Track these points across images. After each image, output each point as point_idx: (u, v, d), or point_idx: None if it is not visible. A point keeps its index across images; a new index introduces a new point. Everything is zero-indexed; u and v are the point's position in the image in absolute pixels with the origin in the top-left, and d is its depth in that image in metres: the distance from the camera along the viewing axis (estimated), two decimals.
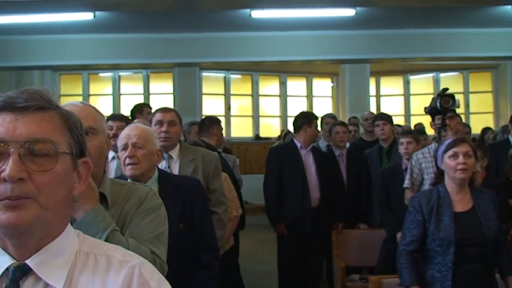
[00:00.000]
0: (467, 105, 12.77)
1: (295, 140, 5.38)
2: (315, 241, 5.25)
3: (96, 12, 8.20)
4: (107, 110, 10.89)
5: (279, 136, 10.29)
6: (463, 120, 8.67)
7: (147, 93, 11.80)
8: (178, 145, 3.55)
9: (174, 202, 2.57)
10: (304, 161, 5.26)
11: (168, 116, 3.49)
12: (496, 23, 9.20)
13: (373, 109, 11.92)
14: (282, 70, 12.39)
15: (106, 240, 1.74)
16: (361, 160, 5.73)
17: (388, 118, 5.75)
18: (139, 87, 11.93)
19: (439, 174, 3.27)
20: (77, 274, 1.13)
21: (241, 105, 12.66)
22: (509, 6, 8.23)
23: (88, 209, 1.77)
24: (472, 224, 3.08)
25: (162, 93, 11.77)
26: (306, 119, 5.36)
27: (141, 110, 5.40)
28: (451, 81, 12.71)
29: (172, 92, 11.60)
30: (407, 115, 12.79)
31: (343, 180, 5.58)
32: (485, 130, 9.46)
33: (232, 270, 4.95)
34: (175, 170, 3.43)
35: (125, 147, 2.55)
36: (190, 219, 2.63)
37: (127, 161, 2.52)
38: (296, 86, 12.92)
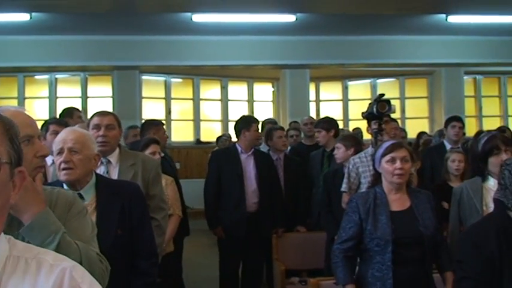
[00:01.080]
0: (403, 111, 13.11)
1: (237, 144, 5.40)
2: (254, 245, 5.25)
3: (33, 13, 7.99)
4: (43, 113, 10.60)
5: (217, 140, 10.27)
6: (399, 125, 8.92)
7: (85, 97, 11.53)
8: (117, 150, 3.48)
9: (112, 207, 2.53)
10: (244, 166, 5.26)
11: (105, 120, 3.41)
12: (431, 30, 9.51)
13: (313, 114, 12.07)
14: (223, 74, 12.38)
15: (59, 243, 1.72)
16: (298, 164, 5.79)
17: (323, 126, 5.82)
18: (77, 90, 11.64)
19: (377, 176, 3.34)
20: (5, 279, 1.12)
21: (182, 109, 12.56)
22: (444, 15, 8.53)
23: (36, 212, 1.76)
24: (409, 223, 3.14)
25: (101, 97, 11.52)
26: (244, 123, 5.38)
27: (71, 114, 5.26)
28: (388, 87, 13.01)
29: (111, 95, 11.38)
30: (346, 120, 13.02)
31: (280, 184, 5.62)
32: (421, 134, 9.75)
33: (175, 275, 4.92)
34: (114, 175, 3.36)
35: (61, 152, 2.48)
36: (129, 224, 2.58)
37: (62, 165, 2.46)
38: (237, 90, 12.93)
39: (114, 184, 2.77)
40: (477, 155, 3.51)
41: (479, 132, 4.74)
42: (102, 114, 3.49)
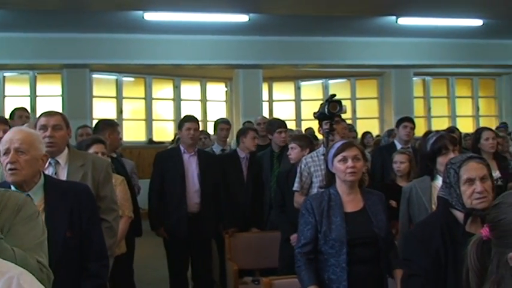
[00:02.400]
0: (354, 111, 13.31)
1: (180, 145, 5.40)
2: (199, 246, 5.24)
3: None
4: None
5: (172, 140, 10.18)
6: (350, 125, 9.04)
7: (33, 95, 11.24)
8: (66, 150, 3.39)
9: (61, 209, 2.48)
10: (187, 166, 5.24)
11: (52, 120, 3.32)
12: (381, 32, 9.68)
13: (265, 114, 12.12)
14: (176, 74, 12.29)
15: None
16: (259, 164, 5.80)
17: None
18: (25, 88, 11.35)
19: (330, 177, 3.36)
20: None
21: (134, 108, 12.40)
22: (394, 17, 8.69)
23: None
24: (363, 223, 3.17)
25: (50, 96, 11.27)
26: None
27: (13, 115, 5.10)
28: (339, 88, 13.18)
29: (61, 94, 11.15)
30: (299, 120, 13.12)
31: (243, 183, 5.61)
32: (365, 134, 9.91)
33: (126, 276, 4.86)
34: (63, 176, 3.28)
35: (7, 152, 2.42)
36: (78, 226, 2.53)
37: (8, 166, 2.40)
38: (190, 90, 12.86)
39: (63, 185, 2.71)
40: (426, 155, 3.58)
41: (428, 133, 4.85)
42: (49, 114, 3.40)
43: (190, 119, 5.39)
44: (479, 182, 2.45)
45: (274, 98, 13.45)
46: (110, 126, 4.97)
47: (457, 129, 7.40)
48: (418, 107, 13.57)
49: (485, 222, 1.53)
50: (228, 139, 6.88)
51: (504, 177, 4.92)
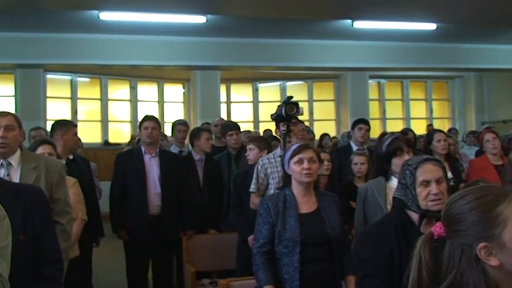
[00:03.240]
0: (311, 113, 13.43)
1: (141, 146, 5.32)
2: (160, 248, 5.20)
3: None
4: None
5: (129, 142, 10.07)
6: (307, 127, 9.12)
7: None
8: (18, 151, 3.32)
9: (13, 212, 2.41)
10: (148, 168, 5.18)
11: (4, 121, 3.24)
12: (338, 35, 9.79)
13: (223, 115, 12.11)
14: (133, 74, 12.16)
15: None
16: (216, 166, 5.78)
17: (237, 127, 5.90)
18: None
19: (286, 179, 3.40)
20: None
21: (89, 109, 12.22)
22: (350, 20, 8.80)
23: None
24: (317, 224, 3.22)
25: (3, 96, 10.99)
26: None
27: None
28: (297, 90, 13.29)
29: (13, 94, 10.88)
30: (256, 121, 13.16)
31: (199, 185, 5.58)
32: (323, 136, 10.02)
33: (84, 279, 4.79)
34: (16, 178, 3.22)
35: None
36: (31, 230, 2.47)
37: None
38: (147, 90, 12.75)
39: (15, 187, 2.64)
40: (381, 156, 3.64)
41: (383, 134, 4.94)
42: (0, 114, 3.32)
43: (148, 118, 5.33)
44: (434, 184, 2.48)
45: (232, 99, 13.47)
46: (64, 127, 4.82)
47: (412, 131, 7.54)
48: (374, 109, 13.81)
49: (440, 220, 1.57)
50: (186, 141, 6.84)
51: (456, 178, 5.05)
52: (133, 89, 12.45)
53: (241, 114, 13.29)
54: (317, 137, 10.03)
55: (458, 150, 8.08)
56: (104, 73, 11.82)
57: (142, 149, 5.25)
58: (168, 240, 5.21)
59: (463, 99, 14.70)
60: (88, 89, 12.20)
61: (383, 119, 13.99)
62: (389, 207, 3.45)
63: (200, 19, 8.41)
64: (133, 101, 12.46)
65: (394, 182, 3.52)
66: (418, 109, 14.63)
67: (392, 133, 4.28)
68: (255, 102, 13.49)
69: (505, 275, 1.45)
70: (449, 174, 4.90)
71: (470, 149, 9.39)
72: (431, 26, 9.14)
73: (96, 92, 12.15)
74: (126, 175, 5.19)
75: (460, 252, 1.47)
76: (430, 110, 14.62)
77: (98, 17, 8.16)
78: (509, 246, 1.43)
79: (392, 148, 3.55)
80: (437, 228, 1.54)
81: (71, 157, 4.88)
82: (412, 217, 2.51)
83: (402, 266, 2.37)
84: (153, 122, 5.25)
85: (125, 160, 5.34)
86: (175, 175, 5.29)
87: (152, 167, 5.21)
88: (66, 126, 4.84)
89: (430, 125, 11.91)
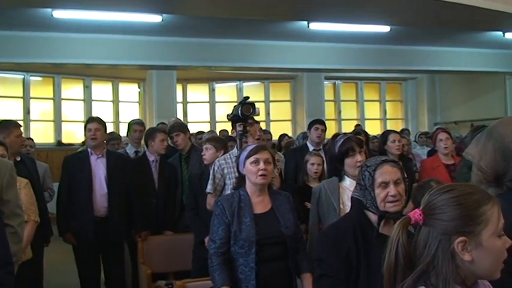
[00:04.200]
0: (267, 113, 13.50)
1: (88, 148, 5.28)
2: (108, 250, 5.15)
3: None
4: None
5: (82, 142, 9.90)
6: (264, 128, 9.16)
7: None
8: None
9: None
10: (94, 169, 5.13)
11: None
12: (294, 36, 9.86)
13: (180, 116, 12.05)
14: (87, 73, 11.97)
15: None
16: (171, 167, 5.75)
17: (181, 128, 5.88)
18: None
19: (241, 179, 3.42)
20: None
21: (42, 109, 11.96)
22: (305, 22, 8.87)
23: None
24: (272, 224, 3.25)
25: None
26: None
27: None
28: (254, 90, 13.34)
29: None
30: (213, 122, 13.15)
31: (154, 186, 5.53)
32: (282, 136, 10.07)
33: (35, 282, 4.70)
34: None
35: None
36: None
37: None
38: (101, 90, 12.57)
39: None
40: (334, 157, 3.68)
41: (336, 135, 5.00)
42: None
43: (91, 119, 5.30)
44: (393, 185, 2.51)
45: (188, 99, 13.41)
46: (5, 130, 4.64)
47: (363, 131, 7.65)
48: (329, 110, 13.98)
49: (420, 207, 1.60)
50: (142, 141, 6.77)
51: (409, 178, 5.14)
52: (87, 89, 12.25)
53: (198, 115, 13.25)
54: (274, 137, 10.07)
55: (411, 150, 8.25)
56: (57, 72, 11.59)
57: (89, 150, 5.20)
58: (115, 242, 5.17)
59: (415, 100, 15.03)
60: (41, 88, 11.94)
61: (338, 119, 14.16)
62: (342, 207, 3.50)
63: (156, 18, 8.33)
64: (87, 100, 12.25)
65: (347, 182, 3.58)
66: (372, 110, 14.88)
67: (344, 134, 4.34)
68: (212, 102, 13.47)
69: (472, 271, 1.53)
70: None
71: (423, 149, 9.61)
72: (385, 29, 9.29)
73: (49, 91, 11.90)
74: (72, 177, 5.13)
75: (437, 243, 1.53)
76: (384, 111, 14.88)
77: (51, 15, 7.99)
78: (485, 245, 1.51)
79: (344, 149, 3.60)
80: (416, 215, 1.58)
81: (18, 159, 4.78)
82: (371, 218, 2.54)
83: (359, 266, 2.40)
84: (97, 123, 5.19)
85: (71, 162, 5.27)
86: (124, 176, 5.24)
87: (98, 168, 5.16)
88: (8, 129, 4.70)
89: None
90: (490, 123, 1.95)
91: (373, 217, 2.53)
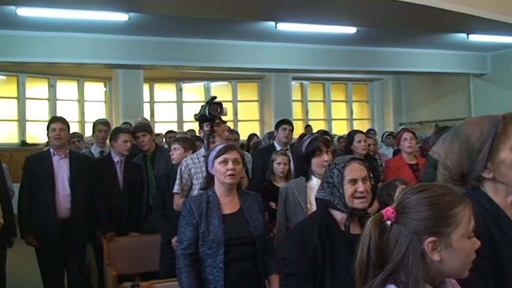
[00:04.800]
0: (235, 113, 13.49)
1: (50, 148, 5.19)
2: (72, 252, 5.09)
3: None
4: None
5: (47, 142, 9.73)
6: (232, 127, 9.15)
7: None
8: None
9: None
10: (56, 170, 5.06)
11: None
12: (261, 37, 9.87)
13: (147, 115, 11.95)
14: (51, 72, 11.77)
15: None
16: (137, 167, 5.69)
17: (147, 129, 5.85)
18: None
19: (209, 179, 3.40)
20: None
21: (5, 108, 11.73)
22: (273, 22, 8.89)
23: None
24: (240, 224, 3.25)
25: None
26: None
27: None
28: (221, 90, 13.33)
29: None
30: (180, 122, 13.08)
31: (119, 187, 5.48)
32: (251, 136, 10.10)
33: None
34: None
35: None
36: None
37: None
38: (67, 89, 12.38)
39: None
40: (301, 156, 3.70)
41: (303, 135, 5.02)
42: None
43: (55, 119, 5.23)
44: (361, 182, 2.58)
45: (155, 99, 13.32)
46: None
47: (327, 132, 7.70)
48: (297, 110, 14.05)
49: (383, 206, 1.62)
50: (107, 141, 6.69)
51: (375, 177, 5.21)
52: (52, 88, 12.05)
53: (165, 114, 13.17)
54: (242, 137, 10.07)
55: (378, 150, 8.35)
56: (21, 71, 11.38)
57: (51, 150, 5.12)
58: (78, 244, 5.11)
59: (381, 101, 15.22)
60: (4, 87, 11.71)
61: (306, 119, 14.24)
62: (309, 206, 3.53)
63: (122, 17, 8.24)
64: (52, 100, 12.06)
65: (314, 181, 3.60)
66: (339, 110, 15.02)
67: (311, 134, 4.37)
68: (179, 102, 13.41)
69: (441, 271, 1.56)
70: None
71: (389, 149, 9.73)
72: (352, 30, 9.37)
73: (12, 90, 11.68)
74: (34, 178, 5.04)
75: (408, 241, 1.54)
76: (351, 111, 15.03)
77: (15, 12, 7.83)
78: (455, 246, 1.54)
79: (311, 148, 3.62)
80: (389, 213, 1.59)
81: None
82: (336, 217, 2.57)
83: (325, 265, 2.42)
84: (61, 123, 5.13)
85: (33, 163, 5.18)
86: (87, 177, 5.18)
87: (61, 169, 5.09)
88: None
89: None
90: (454, 124, 1.98)
91: (338, 216, 2.56)
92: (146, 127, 5.91)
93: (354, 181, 2.57)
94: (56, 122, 5.12)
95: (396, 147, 8.07)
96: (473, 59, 12.20)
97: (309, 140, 3.68)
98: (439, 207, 1.55)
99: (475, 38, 9.99)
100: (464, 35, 9.99)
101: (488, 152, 1.82)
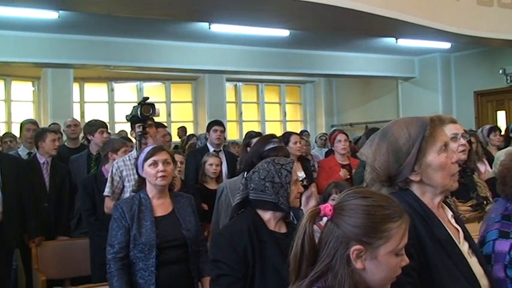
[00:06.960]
0: (169, 114, 13.37)
1: None
2: (4, 257, 4.91)
3: None
4: None
5: None
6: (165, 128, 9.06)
7: None
8: None
9: None
10: None
11: None
12: (195, 37, 9.83)
13: (77, 116, 11.67)
14: None
15: None
16: (64, 169, 5.54)
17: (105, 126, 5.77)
18: None
19: (141, 181, 3.37)
20: None
21: None
22: (207, 23, 8.87)
23: None
24: (173, 226, 3.23)
25: None
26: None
27: None
28: (154, 91, 13.19)
29: None
30: (112, 122, 12.83)
31: (45, 190, 5.31)
32: (189, 137, 10.05)
33: None
34: None
35: None
36: None
37: None
38: None
39: None
40: (258, 154, 3.66)
41: (271, 136, 5.02)
42: None
43: None
44: (299, 183, 2.71)
45: (86, 99, 13.02)
46: None
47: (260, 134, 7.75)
48: (231, 112, 14.07)
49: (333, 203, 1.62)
50: None
51: (308, 178, 5.31)
52: None
53: (96, 115, 12.87)
54: (175, 139, 10.02)
55: (310, 151, 8.49)
56: None
57: None
58: (10, 249, 4.94)
59: (313, 103, 15.47)
60: None
61: (240, 121, 14.29)
62: None
63: (52, 14, 8.01)
64: None
65: None
66: (273, 112, 15.15)
67: (278, 139, 4.24)
68: (111, 102, 13.16)
69: (363, 279, 1.56)
70: (302, 174, 5.15)
71: (321, 150, 9.92)
72: (285, 33, 9.46)
73: None
74: None
75: (337, 244, 1.55)
76: (284, 113, 15.20)
77: None
78: (380, 259, 1.53)
79: (273, 154, 3.61)
80: (327, 209, 1.59)
81: None
82: (263, 217, 2.59)
83: (255, 264, 2.45)
84: None
85: None
86: (18, 179, 5.00)
87: None
88: None
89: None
90: (383, 125, 1.98)
91: (266, 216, 2.59)
92: (106, 124, 5.77)
93: (297, 181, 2.65)
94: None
95: (329, 148, 8.24)
96: (402, 63, 12.59)
97: (276, 145, 3.64)
98: (374, 219, 1.54)
99: (403, 42, 10.30)
100: (393, 40, 10.28)
101: (416, 155, 1.83)
